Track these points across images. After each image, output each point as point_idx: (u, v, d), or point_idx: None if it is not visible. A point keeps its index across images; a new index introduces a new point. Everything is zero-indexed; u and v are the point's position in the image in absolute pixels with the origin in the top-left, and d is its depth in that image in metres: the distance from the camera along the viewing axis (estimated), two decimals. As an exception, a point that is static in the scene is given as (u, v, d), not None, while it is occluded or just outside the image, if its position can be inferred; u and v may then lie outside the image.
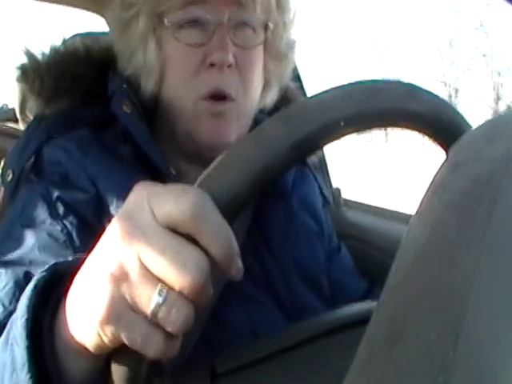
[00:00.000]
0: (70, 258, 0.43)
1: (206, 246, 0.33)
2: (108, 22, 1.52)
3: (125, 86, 0.70)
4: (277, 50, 0.73)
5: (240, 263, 0.34)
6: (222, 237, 0.33)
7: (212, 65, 0.65)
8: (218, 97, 0.67)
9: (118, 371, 0.36)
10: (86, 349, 0.37)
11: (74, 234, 0.61)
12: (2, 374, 0.39)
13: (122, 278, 0.33)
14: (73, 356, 0.38)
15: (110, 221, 0.62)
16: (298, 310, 0.70)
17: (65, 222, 0.62)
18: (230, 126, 0.68)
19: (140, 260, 0.32)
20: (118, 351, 0.36)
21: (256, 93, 0.72)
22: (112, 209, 0.63)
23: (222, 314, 0.64)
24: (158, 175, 0.66)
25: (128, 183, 0.64)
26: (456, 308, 0.23)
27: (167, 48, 0.68)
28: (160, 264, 0.32)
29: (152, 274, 0.32)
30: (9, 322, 0.42)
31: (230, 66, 0.66)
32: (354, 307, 0.58)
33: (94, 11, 1.54)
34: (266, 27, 0.70)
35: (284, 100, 0.80)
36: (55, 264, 0.42)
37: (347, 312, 0.56)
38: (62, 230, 0.61)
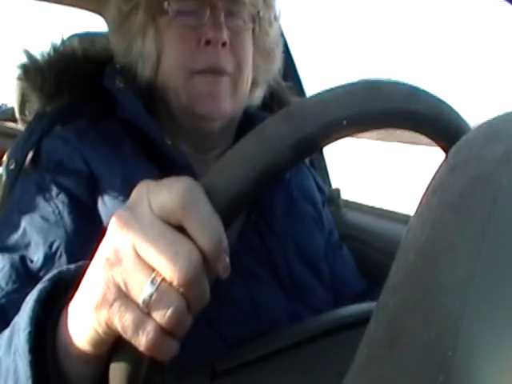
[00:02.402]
0: (73, 267, 0.43)
1: (194, 236, 0.33)
2: (107, 21, 1.52)
3: (118, 65, 0.73)
4: (263, 45, 0.76)
5: (228, 261, 0.34)
6: (210, 228, 0.33)
7: (207, 43, 0.68)
8: (214, 72, 0.69)
9: (117, 370, 0.36)
10: (85, 351, 0.37)
11: (66, 213, 0.63)
12: (5, 378, 0.40)
13: (116, 263, 0.33)
14: (73, 360, 0.39)
15: (102, 198, 0.64)
16: (296, 289, 0.72)
17: (56, 202, 0.64)
18: (226, 98, 0.71)
19: (134, 248, 0.33)
20: (117, 349, 0.36)
21: (249, 75, 0.75)
22: (105, 188, 0.65)
23: (223, 290, 0.64)
24: (154, 155, 0.68)
25: (122, 164, 0.66)
26: (456, 308, 0.23)
27: (165, 34, 0.71)
28: (152, 253, 0.32)
29: (145, 263, 0.33)
30: (11, 324, 0.43)
31: (224, 44, 0.69)
32: (354, 307, 0.58)
33: (92, 11, 1.55)
34: (253, 19, 0.74)
35: (275, 99, 0.84)
36: (59, 273, 0.43)
37: (347, 312, 0.56)
38: (53, 211, 0.63)
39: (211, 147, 0.76)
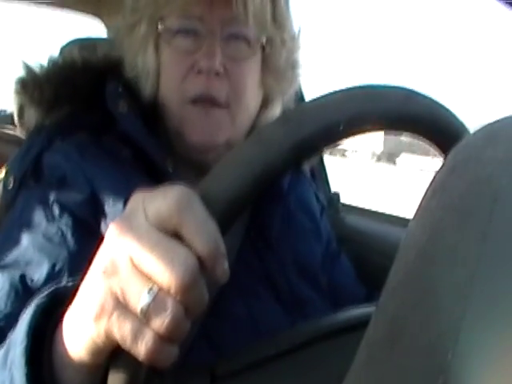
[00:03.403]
0: (70, 284, 0.43)
1: (190, 241, 0.33)
2: (107, 26, 1.53)
3: (120, 89, 0.72)
4: (275, 66, 0.73)
5: (226, 266, 0.34)
6: (206, 233, 0.33)
7: (200, 72, 0.67)
8: (207, 101, 0.68)
9: (116, 378, 0.36)
10: (83, 361, 0.37)
11: (69, 235, 0.62)
12: None
13: (113, 274, 0.33)
14: (71, 371, 0.39)
15: (106, 218, 0.64)
16: (296, 302, 0.72)
17: (59, 223, 0.63)
18: (219, 130, 0.69)
19: (131, 257, 0.33)
20: (115, 357, 0.36)
21: (251, 103, 0.73)
22: (108, 207, 0.64)
23: (222, 307, 0.65)
24: (156, 174, 0.68)
25: (125, 182, 0.66)
26: (456, 309, 0.22)
27: (163, 53, 0.70)
28: (148, 262, 0.32)
29: (142, 272, 0.33)
30: (7, 341, 0.43)
31: (217, 74, 0.67)
32: (355, 310, 0.58)
33: (92, 15, 1.55)
34: (263, 41, 0.70)
35: None
36: (55, 288, 0.43)
37: (347, 315, 0.56)
38: (56, 232, 0.62)
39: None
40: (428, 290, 0.24)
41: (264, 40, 0.70)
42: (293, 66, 0.76)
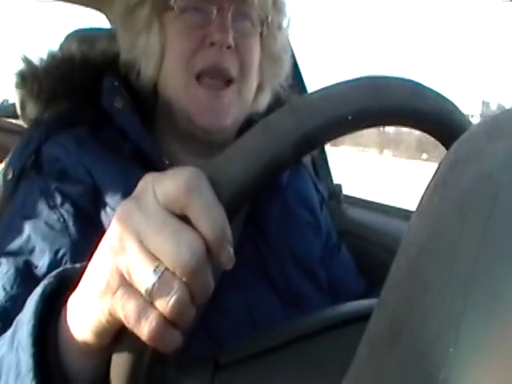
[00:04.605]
0: (78, 265, 0.43)
1: (196, 223, 0.33)
2: (109, 18, 1.53)
3: (116, 83, 0.72)
4: (271, 50, 0.75)
5: (232, 252, 0.34)
6: (212, 215, 0.33)
7: (212, 44, 0.67)
8: (217, 74, 0.68)
9: (119, 361, 0.36)
10: (87, 342, 0.37)
11: (71, 223, 0.63)
12: (6, 374, 0.40)
13: (120, 251, 0.34)
14: (75, 353, 0.39)
15: (105, 209, 0.65)
16: (293, 297, 0.72)
17: (61, 210, 0.64)
18: (228, 112, 0.70)
19: (138, 237, 0.33)
20: (119, 340, 0.36)
21: (254, 83, 0.73)
22: (107, 198, 0.65)
23: (220, 300, 0.65)
24: (153, 168, 0.68)
25: (123, 174, 0.67)
26: (457, 304, 0.23)
27: (169, 30, 0.70)
28: (155, 242, 0.33)
29: (149, 252, 0.33)
30: (14, 322, 0.43)
31: (229, 47, 0.67)
32: (356, 303, 0.58)
33: (94, 8, 1.55)
34: (262, 23, 0.72)
35: (277, 102, 0.82)
36: (63, 270, 0.43)
37: (349, 308, 0.56)
38: (58, 219, 0.63)
39: (211, 154, 0.75)
40: (429, 285, 0.24)
41: (264, 21, 0.71)
42: (285, 50, 0.77)
